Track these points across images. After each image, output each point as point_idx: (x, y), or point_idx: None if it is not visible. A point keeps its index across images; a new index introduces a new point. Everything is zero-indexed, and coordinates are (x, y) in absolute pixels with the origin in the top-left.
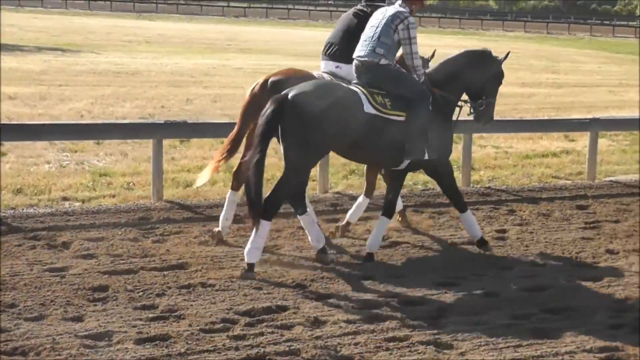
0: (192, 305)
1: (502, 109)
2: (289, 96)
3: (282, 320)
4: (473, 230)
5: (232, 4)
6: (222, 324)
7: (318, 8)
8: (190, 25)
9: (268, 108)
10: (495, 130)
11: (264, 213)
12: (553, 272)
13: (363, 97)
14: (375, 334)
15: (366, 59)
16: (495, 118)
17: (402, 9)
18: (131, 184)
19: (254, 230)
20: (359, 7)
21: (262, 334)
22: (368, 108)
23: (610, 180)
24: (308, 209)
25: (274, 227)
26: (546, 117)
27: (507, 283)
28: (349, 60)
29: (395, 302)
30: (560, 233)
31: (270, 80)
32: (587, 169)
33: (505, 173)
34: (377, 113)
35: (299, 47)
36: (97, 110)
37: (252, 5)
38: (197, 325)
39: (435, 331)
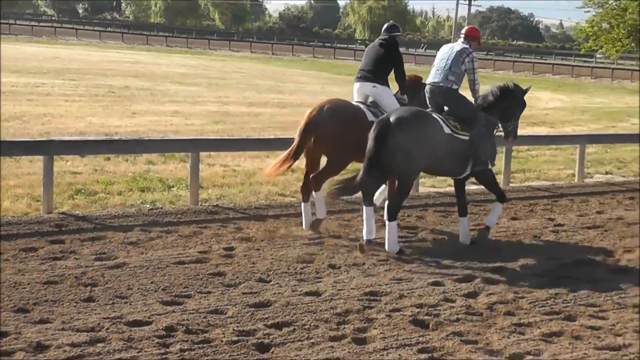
0: None
1: (229, 128)
2: (391, 119)
3: (2, 346)
4: (464, 235)
5: None
6: None
7: (42, 24)
8: None
9: (375, 130)
10: (222, 149)
11: (389, 216)
12: (278, 287)
13: (441, 121)
14: (101, 356)
15: (441, 84)
16: (222, 137)
17: (465, 46)
18: None
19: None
20: (381, 37)
21: None
22: (447, 130)
23: None
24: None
25: None
26: (272, 136)
27: (233, 300)
28: (382, 81)
29: (122, 323)
30: (285, 249)
31: (326, 107)
32: None
33: (233, 191)
34: (452, 133)
35: (20, 63)
36: None
37: None
38: None
39: (162, 351)
